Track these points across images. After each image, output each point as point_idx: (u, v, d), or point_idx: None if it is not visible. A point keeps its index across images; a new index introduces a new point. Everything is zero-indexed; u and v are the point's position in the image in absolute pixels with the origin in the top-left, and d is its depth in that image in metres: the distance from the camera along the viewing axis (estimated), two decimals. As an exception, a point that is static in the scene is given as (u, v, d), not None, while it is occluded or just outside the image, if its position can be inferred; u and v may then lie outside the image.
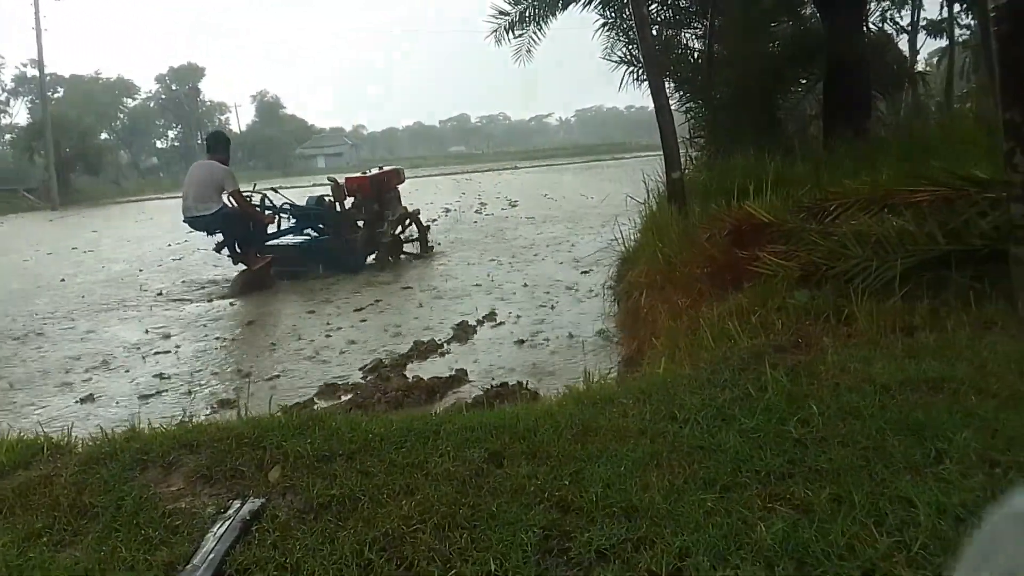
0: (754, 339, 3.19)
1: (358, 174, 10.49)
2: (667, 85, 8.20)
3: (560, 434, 2.47)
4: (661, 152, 6.55)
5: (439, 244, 11.30)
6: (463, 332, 6.10)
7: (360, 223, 9.79)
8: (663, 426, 2.45)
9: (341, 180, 9.90)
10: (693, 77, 8.83)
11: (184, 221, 8.67)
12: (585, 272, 8.39)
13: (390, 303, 7.54)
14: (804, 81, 9.23)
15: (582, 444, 2.39)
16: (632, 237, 6.89)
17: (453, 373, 4.93)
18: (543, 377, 4.81)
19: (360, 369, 5.21)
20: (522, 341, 5.76)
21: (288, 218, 9.61)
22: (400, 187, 10.69)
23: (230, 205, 8.52)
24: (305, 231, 9.63)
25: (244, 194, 8.80)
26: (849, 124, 7.79)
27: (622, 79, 9.24)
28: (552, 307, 6.85)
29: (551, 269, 8.93)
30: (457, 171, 39.02)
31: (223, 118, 70.96)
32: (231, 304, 8.06)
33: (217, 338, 6.47)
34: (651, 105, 6.56)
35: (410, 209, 10.45)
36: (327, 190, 9.84)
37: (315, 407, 4.30)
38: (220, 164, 8.60)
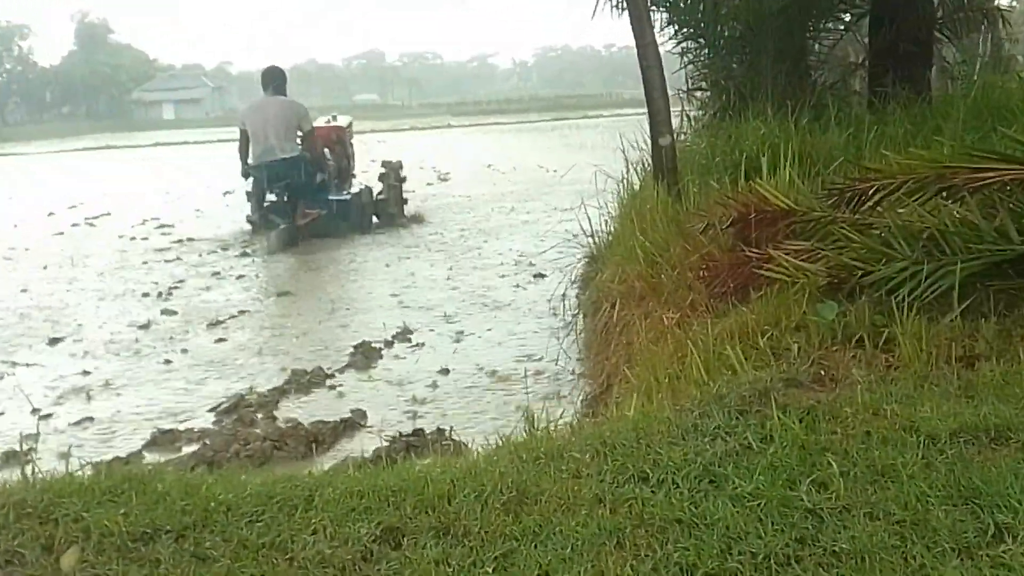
0: (760, 370, 3.25)
1: (323, 122, 12.70)
2: (658, 17, 8.32)
3: (485, 502, 2.47)
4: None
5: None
6: (364, 357, 6.09)
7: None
8: (629, 491, 2.47)
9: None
10: (693, 6, 8.97)
11: (253, 168, 10.82)
12: (538, 275, 8.48)
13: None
14: (846, 16, 9.44)
15: (515, 516, 2.40)
16: (605, 227, 6.96)
17: (348, 415, 4.92)
18: (471, 422, 4.82)
19: (211, 410, 5.16)
20: (446, 371, 5.77)
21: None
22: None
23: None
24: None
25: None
26: (903, 76, 8.00)
27: (596, 4, 9.31)
28: (485, 327, 6.91)
29: (490, 271, 8.98)
30: (367, 129, 38.88)
31: (23, 45, 69.37)
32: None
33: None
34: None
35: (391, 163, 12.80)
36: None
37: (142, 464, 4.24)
38: (294, 101, 11.29)
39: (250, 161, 10.95)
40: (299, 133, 11.00)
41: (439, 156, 25.58)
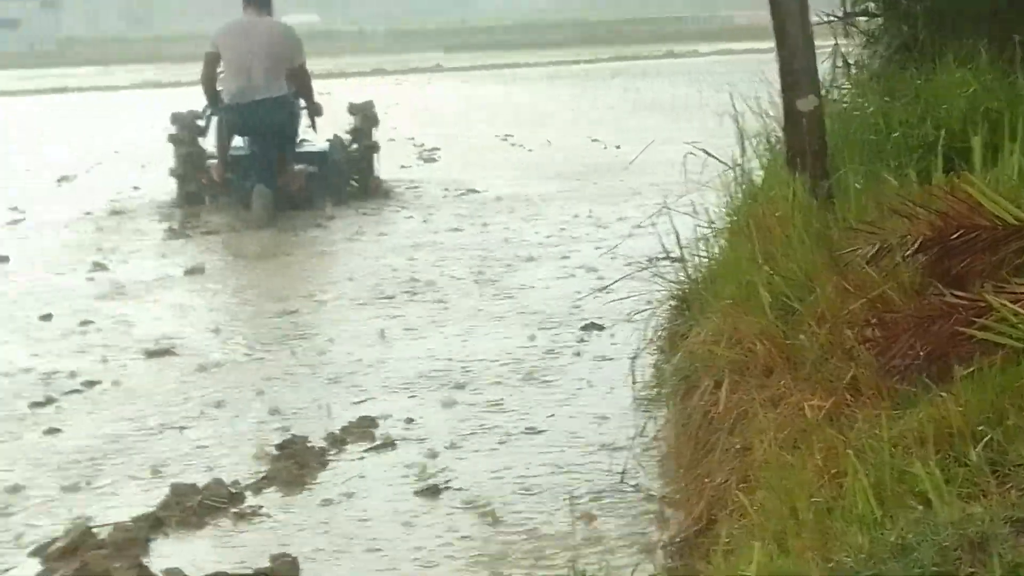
0: (974, 502, 3.22)
1: None
2: None
3: None
4: (774, 45, 6.64)
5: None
6: (296, 464, 6.11)
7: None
8: None
9: None
10: None
11: (225, 109, 13.85)
12: (591, 327, 8.54)
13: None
14: None
15: None
16: (704, 248, 6.95)
17: (267, 566, 4.94)
18: (493, 572, 4.86)
19: (36, 554, 5.19)
20: (435, 491, 5.80)
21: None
22: None
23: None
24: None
25: None
26: None
27: None
28: (501, 417, 6.93)
29: (507, 320, 9.08)
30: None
31: None
32: None
33: None
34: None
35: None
36: None
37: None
38: (286, 25, 14.80)
39: (223, 98, 13.73)
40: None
41: (421, 120, 25.69)
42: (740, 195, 7.07)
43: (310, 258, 12.15)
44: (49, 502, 5.87)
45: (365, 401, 7.21)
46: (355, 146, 15.60)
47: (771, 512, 3.84)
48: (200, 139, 14.91)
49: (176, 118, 15.15)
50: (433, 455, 6.28)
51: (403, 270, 10.94)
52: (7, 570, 5.08)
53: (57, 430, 6.85)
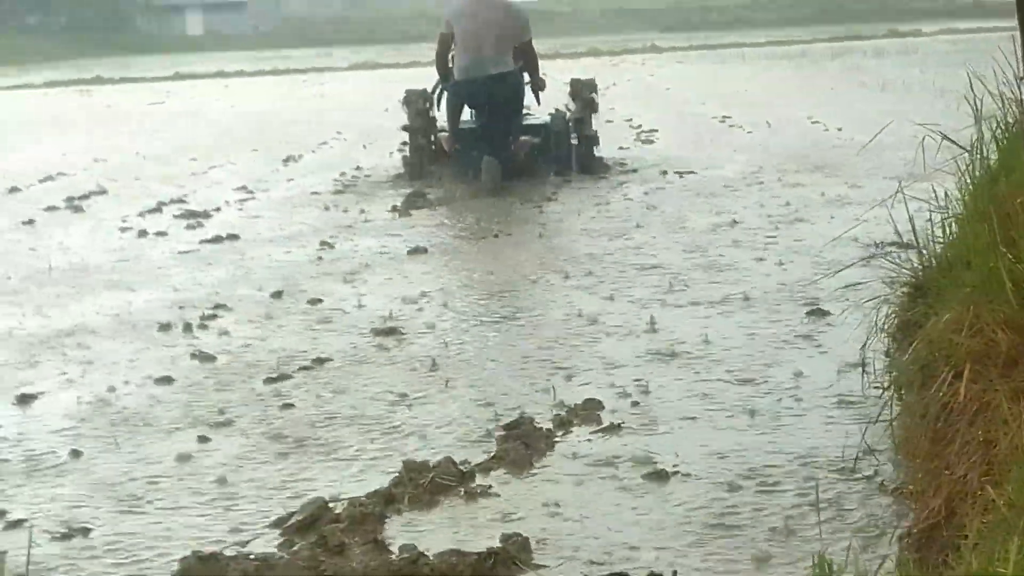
0: None
1: None
2: None
3: None
4: (1017, 22, 6.49)
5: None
6: (523, 445, 6.16)
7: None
8: None
9: None
10: None
11: (462, 83, 15.10)
12: (816, 312, 8.49)
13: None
14: None
15: None
16: (940, 233, 6.84)
17: (499, 545, 4.96)
18: (723, 559, 4.84)
19: (276, 525, 5.30)
20: (663, 475, 5.79)
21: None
22: None
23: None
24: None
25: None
26: None
27: None
28: (732, 398, 6.91)
29: (731, 304, 9.08)
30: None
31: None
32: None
33: None
34: None
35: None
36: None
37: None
38: (515, 3, 15.81)
39: (455, 74, 15.13)
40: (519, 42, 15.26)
41: (637, 101, 25.76)
42: (978, 180, 6.91)
43: (531, 237, 12.28)
44: (285, 476, 6.04)
45: (590, 383, 7.27)
46: (575, 121, 16.30)
47: (1019, 505, 3.76)
48: (431, 114, 16.10)
49: (408, 99, 16.20)
50: (659, 439, 6.31)
51: (622, 251, 11.09)
52: (249, 541, 5.23)
53: (291, 405, 7.05)
